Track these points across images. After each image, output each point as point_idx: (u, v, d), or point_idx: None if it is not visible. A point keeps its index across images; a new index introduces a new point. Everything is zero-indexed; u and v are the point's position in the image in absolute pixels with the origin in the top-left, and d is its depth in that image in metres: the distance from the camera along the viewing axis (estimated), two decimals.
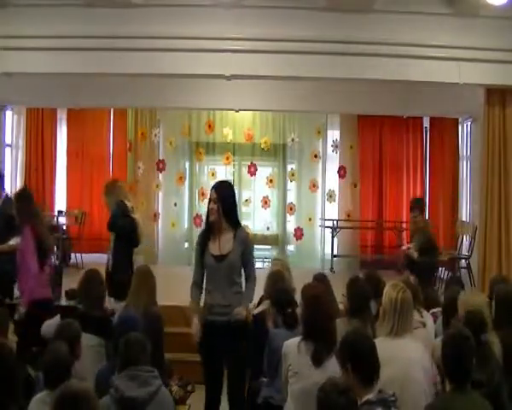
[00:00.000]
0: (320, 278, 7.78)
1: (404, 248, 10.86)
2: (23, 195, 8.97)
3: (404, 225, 15.96)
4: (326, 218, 16.44)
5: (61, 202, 17.53)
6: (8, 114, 15.82)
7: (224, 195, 7.14)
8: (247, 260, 7.04)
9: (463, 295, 6.56)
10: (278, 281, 7.51)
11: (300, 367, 5.61)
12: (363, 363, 4.59)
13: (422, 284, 8.38)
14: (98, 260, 13.64)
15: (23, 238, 8.36)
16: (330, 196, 16.05)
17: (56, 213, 16.60)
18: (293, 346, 5.80)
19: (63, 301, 9.78)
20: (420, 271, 9.43)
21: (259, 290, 7.66)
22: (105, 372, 5.72)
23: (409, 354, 5.50)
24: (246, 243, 7.10)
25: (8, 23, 10.10)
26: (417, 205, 11.26)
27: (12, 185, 16.09)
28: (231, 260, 6.93)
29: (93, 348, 6.38)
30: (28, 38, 10.04)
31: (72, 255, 15.10)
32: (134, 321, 5.92)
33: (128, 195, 8.69)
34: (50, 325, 6.83)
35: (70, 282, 9.55)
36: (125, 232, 9.11)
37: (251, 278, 7.01)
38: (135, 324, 5.84)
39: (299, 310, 6.51)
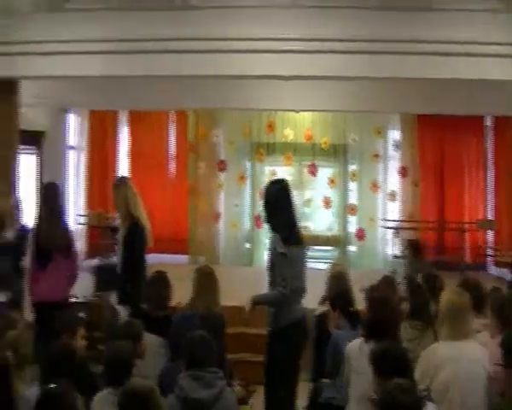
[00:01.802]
0: (388, 280, 7.72)
1: None
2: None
3: (466, 226, 15.77)
4: (387, 218, 16.35)
5: None
6: (71, 116, 16.05)
7: (264, 197, 7.03)
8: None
9: None
10: (340, 283, 7.48)
11: (362, 369, 5.58)
12: None
13: None
14: (160, 261, 13.78)
15: None
16: (392, 197, 15.96)
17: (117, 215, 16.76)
18: (355, 347, 5.78)
19: None
20: None
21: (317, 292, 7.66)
22: (167, 372, 5.78)
23: (468, 356, 5.45)
24: (271, 253, 6.88)
25: (66, 28, 10.23)
26: None
27: (75, 187, 16.35)
28: (266, 266, 6.92)
29: (155, 348, 6.44)
30: (88, 41, 10.14)
31: None
32: (191, 321, 5.96)
33: (136, 194, 8.46)
34: None
35: None
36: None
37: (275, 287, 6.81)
38: (192, 324, 5.87)
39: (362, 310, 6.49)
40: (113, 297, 8.24)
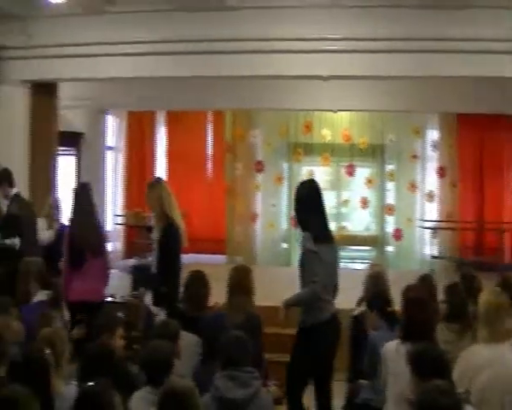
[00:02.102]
0: (425, 280, 7.66)
1: None
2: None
3: (505, 226, 15.62)
4: (425, 218, 16.25)
5: None
6: (110, 118, 16.17)
7: (295, 197, 7.15)
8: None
9: None
10: (377, 283, 7.45)
11: (399, 370, 5.54)
12: None
13: None
14: (197, 261, 13.81)
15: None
16: (430, 197, 15.87)
17: None
18: (391, 349, 5.74)
19: None
20: None
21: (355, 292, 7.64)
22: (200, 371, 5.80)
23: (507, 358, 5.39)
24: (302, 252, 6.95)
25: (108, 29, 10.32)
26: None
27: (113, 187, 16.46)
28: (298, 265, 6.98)
29: (192, 348, 6.45)
30: (125, 43, 10.23)
31: None
32: (225, 321, 5.97)
33: (171, 195, 8.47)
34: None
35: None
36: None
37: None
38: (223, 323, 5.88)
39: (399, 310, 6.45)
40: (148, 297, 8.26)
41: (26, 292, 7.59)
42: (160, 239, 8.15)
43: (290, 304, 6.94)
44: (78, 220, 8.48)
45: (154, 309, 7.95)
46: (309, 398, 7.11)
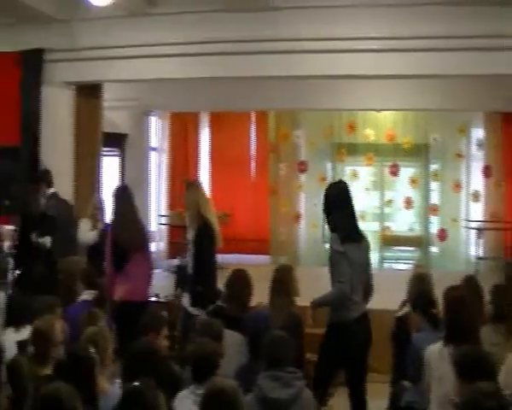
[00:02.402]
0: (470, 281, 7.59)
1: None
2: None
3: None
4: (470, 219, 16.10)
5: None
6: (153, 119, 16.26)
7: (324, 198, 7.34)
8: None
9: None
10: (421, 284, 7.39)
11: (443, 373, 5.49)
12: None
13: None
14: (241, 261, 13.83)
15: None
16: (475, 197, 15.73)
17: None
18: (435, 351, 5.70)
19: None
20: None
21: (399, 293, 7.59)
22: (243, 370, 5.80)
23: None
24: (330, 252, 7.11)
25: (151, 31, 10.37)
26: None
27: (157, 188, 16.55)
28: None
29: (236, 347, 6.45)
30: (169, 44, 10.27)
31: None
32: (267, 320, 5.96)
33: (207, 196, 8.58)
34: None
35: None
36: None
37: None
38: (268, 323, 5.87)
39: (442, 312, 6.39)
40: (186, 298, 8.32)
41: (71, 292, 7.68)
42: (194, 239, 8.24)
43: (318, 304, 7.01)
44: (119, 221, 8.64)
45: (191, 309, 8.00)
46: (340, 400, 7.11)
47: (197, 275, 8.17)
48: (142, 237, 8.86)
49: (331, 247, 7.01)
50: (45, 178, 10.13)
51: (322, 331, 7.14)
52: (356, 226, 7.20)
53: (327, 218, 7.21)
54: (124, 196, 8.83)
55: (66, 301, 7.54)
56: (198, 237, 8.19)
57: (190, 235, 8.39)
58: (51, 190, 10.06)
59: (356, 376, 7.04)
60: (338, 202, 7.12)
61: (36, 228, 9.68)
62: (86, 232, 9.79)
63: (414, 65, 9.78)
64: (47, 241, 9.58)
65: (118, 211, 8.66)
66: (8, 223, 10.92)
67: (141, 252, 8.66)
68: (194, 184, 8.87)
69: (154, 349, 5.20)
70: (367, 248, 7.31)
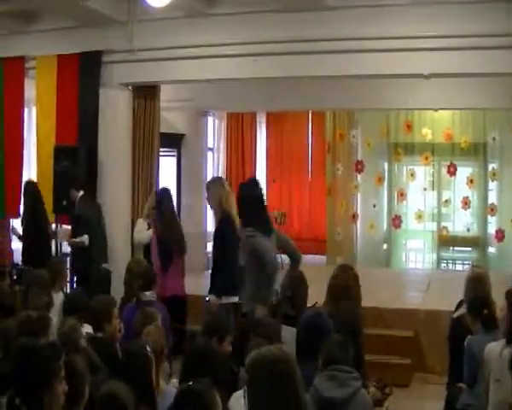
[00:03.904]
0: None
1: None
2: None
3: None
4: None
5: None
6: (210, 119, 16.34)
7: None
8: None
9: None
10: (477, 285, 7.30)
11: (502, 375, 5.42)
12: None
13: None
14: None
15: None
16: None
17: None
18: (495, 351, 5.62)
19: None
20: None
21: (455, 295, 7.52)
22: (300, 370, 5.79)
23: None
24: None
25: (208, 32, 10.42)
26: None
27: None
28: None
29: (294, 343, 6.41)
30: (227, 45, 10.31)
31: None
32: (325, 321, 5.92)
33: (229, 191, 8.88)
34: None
35: None
36: None
37: None
38: (323, 322, 5.83)
39: (499, 313, 6.31)
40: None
41: (132, 291, 7.79)
42: (215, 229, 8.75)
43: None
44: (164, 222, 9.41)
45: (209, 296, 8.44)
46: None
47: (216, 264, 8.58)
48: (183, 237, 9.59)
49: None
50: (73, 183, 10.56)
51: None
52: (267, 220, 7.70)
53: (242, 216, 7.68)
54: (167, 197, 9.67)
55: (126, 300, 7.68)
56: (219, 228, 8.59)
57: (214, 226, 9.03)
58: (81, 193, 10.53)
59: None
60: (251, 201, 7.59)
61: (73, 229, 10.45)
62: (142, 232, 9.92)
63: (471, 63, 9.68)
64: (84, 239, 10.17)
65: (161, 212, 9.45)
66: (65, 223, 11.16)
67: (183, 251, 9.53)
68: (216, 181, 9.32)
69: (213, 349, 5.21)
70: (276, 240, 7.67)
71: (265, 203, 7.81)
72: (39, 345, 4.22)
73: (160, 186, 10.88)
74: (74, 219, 10.42)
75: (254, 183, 7.92)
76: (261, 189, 7.82)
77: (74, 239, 10.32)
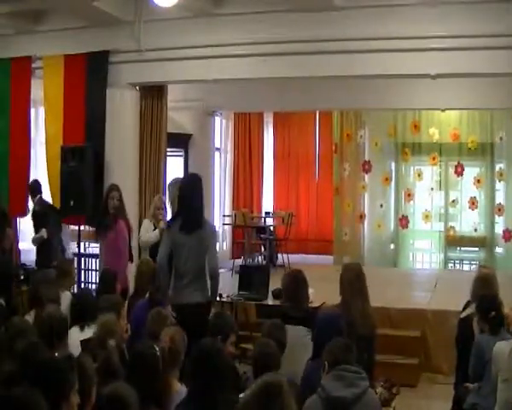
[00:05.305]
0: None
1: None
2: None
3: None
4: None
5: (268, 203, 17.91)
6: (217, 119, 16.35)
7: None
8: None
9: None
10: (484, 285, 7.29)
11: (510, 374, 5.41)
12: None
13: None
14: (304, 261, 13.84)
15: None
16: None
17: (264, 215, 16.96)
18: (504, 350, 5.61)
19: (269, 301, 10.00)
20: None
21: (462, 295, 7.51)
22: (312, 370, 5.80)
23: None
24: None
25: (216, 32, 10.44)
26: None
27: (221, 187, 16.64)
28: None
29: (301, 339, 6.39)
30: (234, 45, 10.32)
31: (279, 256, 15.26)
32: (336, 320, 5.92)
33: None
34: None
35: (277, 282, 9.75)
36: None
37: None
38: (336, 323, 5.83)
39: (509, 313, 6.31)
40: None
41: (141, 291, 7.81)
42: None
43: None
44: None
45: None
46: None
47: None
48: None
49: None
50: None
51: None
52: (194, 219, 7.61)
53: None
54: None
55: (135, 300, 7.70)
56: None
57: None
58: (38, 196, 11.05)
59: None
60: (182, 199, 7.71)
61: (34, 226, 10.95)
62: (148, 232, 9.91)
63: (479, 63, 9.67)
64: (42, 233, 10.71)
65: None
66: (72, 223, 11.21)
67: None
68: (172, 183, 9.65)
69: (219, 349, 5.21)
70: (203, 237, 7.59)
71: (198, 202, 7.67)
72: (57, 360, 4.23)
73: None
74: (32, 216, 10.97)
75: (188, 180, 8.18)
76: (194, 186, 7.72)
77: (35, 235, 10.77)
